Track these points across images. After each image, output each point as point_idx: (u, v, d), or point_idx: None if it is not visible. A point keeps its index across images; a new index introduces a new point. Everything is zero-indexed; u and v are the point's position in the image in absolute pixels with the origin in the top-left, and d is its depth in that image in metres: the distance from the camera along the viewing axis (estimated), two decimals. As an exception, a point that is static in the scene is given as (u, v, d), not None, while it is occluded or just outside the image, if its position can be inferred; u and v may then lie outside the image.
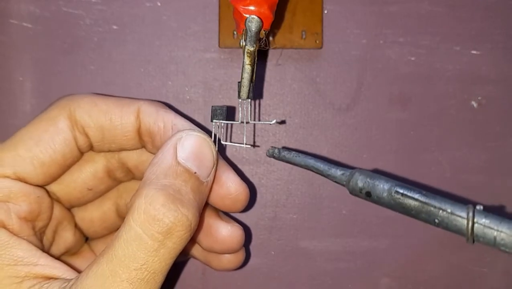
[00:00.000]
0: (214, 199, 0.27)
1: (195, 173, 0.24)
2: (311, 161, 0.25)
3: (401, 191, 0.21)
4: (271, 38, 0.32)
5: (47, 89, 0.33)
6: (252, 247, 0.33)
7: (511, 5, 0.33)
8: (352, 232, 0.33)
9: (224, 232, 0.28)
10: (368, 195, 0.22)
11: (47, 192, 0.27)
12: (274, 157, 0.27)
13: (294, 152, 0.26)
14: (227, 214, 0.30)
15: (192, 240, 0.28)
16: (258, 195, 0.33)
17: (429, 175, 0.33)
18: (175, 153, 0.24)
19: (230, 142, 0.32)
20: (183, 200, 0.23)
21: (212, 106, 0.27)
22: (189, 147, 0.25)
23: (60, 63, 0.33)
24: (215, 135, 0.27)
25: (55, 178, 0.27)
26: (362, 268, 0.33)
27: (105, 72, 0.33)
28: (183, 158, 0.24)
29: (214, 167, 0.26)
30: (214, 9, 0.33)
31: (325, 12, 0.33)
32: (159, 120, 0.26)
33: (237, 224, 0.29)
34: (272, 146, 0.27)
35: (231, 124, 0.33)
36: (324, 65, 0.33)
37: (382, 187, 0.22)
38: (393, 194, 0.21)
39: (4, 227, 0.24)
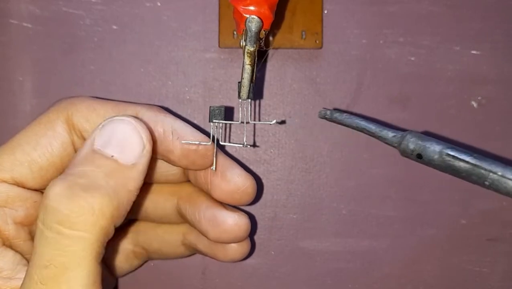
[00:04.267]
0: (223, 196, 0.28)
1: (112, 156, 0.23)
2: (363, 123, 0.25)
3: (452, 153, 0.21)
4: (271, 38, 0.32)
5: (47, 89, 0.33)
6: (252, 247, 0.33)
7: (511, 5, 0.33)
8: (352, 232, 0.33)
9: (231, 221, 0.28)
10: (419, 157, 0.22)
11: None
12: (326, 119, 0.27)
13: (346, 114, 0.26)
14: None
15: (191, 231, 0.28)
16: (258, 195, 0.33)
17: (429, 175, 0.33)
18: (92, 142, 0.24)
19: (229, 142, 0.32)
20: (89, 185, 0.22)
21: (210, 107, 0.27)
22: (107, 133, 0.24)
23: (60, 63, 0.33)
24: (213, 136, 0.27)
25: None
26: (362, 268, 0.33)
27: (105, 72, 0.33)
28: (100, 145, 0.23)
29: (146, 149, 0.24)
30: (214, 9, 0.33)
31: (325, 12, 0.33)
32: (158, 125, 0.26)
33: (243, 213, 0.29)
34: (324, 108, 0.27)
35: (230, 124, 0.33)
36: (324, 65, 0.33)
37: (433, 149, 0.22)
38: (444, 156, 0.21)
39: (0, 232, 0.24)
